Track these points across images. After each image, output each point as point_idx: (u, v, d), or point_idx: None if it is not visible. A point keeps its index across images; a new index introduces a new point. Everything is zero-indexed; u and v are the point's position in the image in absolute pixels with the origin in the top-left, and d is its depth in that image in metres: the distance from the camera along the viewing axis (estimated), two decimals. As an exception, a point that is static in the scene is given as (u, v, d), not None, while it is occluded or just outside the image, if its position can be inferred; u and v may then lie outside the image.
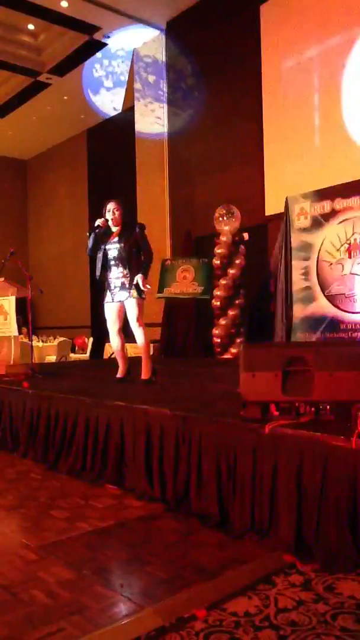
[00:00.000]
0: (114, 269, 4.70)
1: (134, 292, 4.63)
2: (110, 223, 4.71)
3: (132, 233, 4.70)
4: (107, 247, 4.69)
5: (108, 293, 4.76)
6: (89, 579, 2.21)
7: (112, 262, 4.69)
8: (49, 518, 2.96)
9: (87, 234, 4.78)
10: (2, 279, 6.41)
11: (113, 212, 4.67)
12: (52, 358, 10.45)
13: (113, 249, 4.68)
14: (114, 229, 4.73)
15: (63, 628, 1.84)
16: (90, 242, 4.72)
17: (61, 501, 3.22)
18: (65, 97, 12.24)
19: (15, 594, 2.10)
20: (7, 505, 3.22)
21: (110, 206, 4.69)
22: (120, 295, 4.69)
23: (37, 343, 10.67)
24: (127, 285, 4.65)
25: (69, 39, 10.21)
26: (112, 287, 4.71)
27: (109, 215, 4.68)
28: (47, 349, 10.89)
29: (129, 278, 4.64)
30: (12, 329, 5.94)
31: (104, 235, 4.73)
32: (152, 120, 10.26)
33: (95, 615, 1.92)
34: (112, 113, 12.79)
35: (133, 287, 4.63)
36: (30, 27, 10.01)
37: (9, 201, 16.02)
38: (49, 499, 3.29)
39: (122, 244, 4.64)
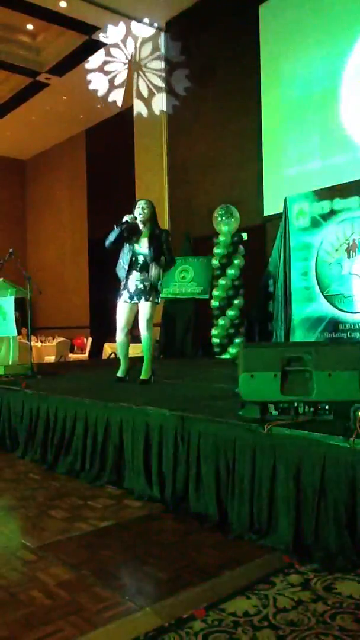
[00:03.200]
0: (137, 272, 4.77)
1: (153, 297, 4.73)
2: (139, 219, 4.78)
3: (160, 241, 4.79)
4: (137, 251, 4.76)
5: (126, 293, 4.80)
6: (87, 580, 2.21)
7: (138, 267, 4.76)
8: (47, 518, 2.95)
9: (115, 226, 4.75)
10: (1, 279, 6.41)
11: (142, 208, 4.78)
12: (51, 358, 10.45)
13: (142, 255, 4.76)
14: (142, 226, 4.79)
15: (62, 628, 1.84)
16: (113, 235, 4.73)
17: (60, 501, 3.22)
18: (64, 97, 12.23)
19: (13, 595, 2.09)
20: (6, 506, 3.22)
21: (141, 203, 4.83)
22: (139, 297, 4.75)
23: (36, 343, 10.67)
24: (148, 289, 4.73)
25: (67, 39, 10.21)
26: (133, 289, 4.76)
27: (138, 212, 4.77)
28: (46, 349, 10.90)
29: (149, 283, 4.74)
30: (11, 329, 5.95)
31: (132, 236, 4.76)
32: (151, 120, 10.26)
33: (94, 615, 1.92)
34: (111, 113, 12.79)
35: (153, 291, 4.74)
36: (29, 27, 10.01)
37: (7, 201, 16.00)
38: (47, 499, 3.28)
39: (151, 253, 4.73)
